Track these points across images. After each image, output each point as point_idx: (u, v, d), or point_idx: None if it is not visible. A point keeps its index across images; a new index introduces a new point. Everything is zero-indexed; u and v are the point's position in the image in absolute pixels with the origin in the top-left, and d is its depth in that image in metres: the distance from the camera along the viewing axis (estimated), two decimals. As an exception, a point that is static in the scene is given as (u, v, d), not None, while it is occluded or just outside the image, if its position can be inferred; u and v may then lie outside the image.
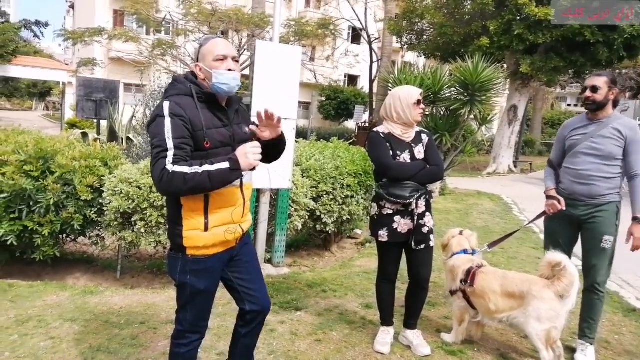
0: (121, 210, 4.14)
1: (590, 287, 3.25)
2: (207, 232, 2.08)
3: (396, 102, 3.09)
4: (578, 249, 3.35)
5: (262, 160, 2.10)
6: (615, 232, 3.17)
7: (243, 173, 2.04)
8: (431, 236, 3.14)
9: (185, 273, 2.11)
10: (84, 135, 9.28)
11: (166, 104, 2.00)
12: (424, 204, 3.10)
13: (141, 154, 6.36)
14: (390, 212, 3.10)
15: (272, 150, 2.25)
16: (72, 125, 19.81)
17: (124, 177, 4.20)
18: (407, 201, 3.02)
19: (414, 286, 3.23)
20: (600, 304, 3.25)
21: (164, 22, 19.81)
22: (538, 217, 3.58)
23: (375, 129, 3.24)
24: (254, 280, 2.37)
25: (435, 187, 9.71)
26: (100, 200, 4.31)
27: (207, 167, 1.92)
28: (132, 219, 4.19)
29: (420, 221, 3.08)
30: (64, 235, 4.69)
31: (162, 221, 4.12)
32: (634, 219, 3.07)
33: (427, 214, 3.12)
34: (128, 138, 8.11)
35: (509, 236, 3.80)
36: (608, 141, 3.15)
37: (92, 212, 4.34)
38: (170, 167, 1.89)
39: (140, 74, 17.84)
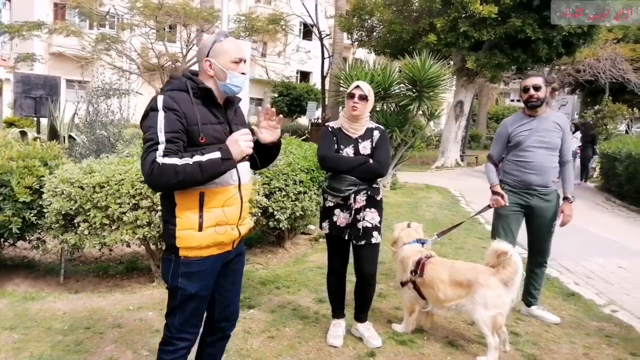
0: (63, 212, 3.96)
1: (541, 264, 3.79)
2: (202, 231, 2.00)
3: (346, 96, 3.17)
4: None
5: (253, 167, 2.09)
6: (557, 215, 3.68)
7: (238, 166, 2.00)
8: (374, 233, 3.12)
9: (177, 276, 2.03)
10: (23, 134, 8.82)
11: (160, 98, 1.94)
12: (364, 199, 3.10)
13: (84, 153, 6.10)
14: (331, 204, 3.15)
15: (267, 154, 2.21)
16: (10, 123, 18.74)
17: (66, 177, 4.02)
18: (342, 194, 3.06)
19: (360, 282, 3.27)
20: (545, 270, 3.87)
21: (107, 16, 19.08)
22: (483, 210, 3.85)
23: (327, 123, 3.29)
24: (234, 293, 2.33)
25: (386, 181, 9.88)
26: (40, 202, 4.10)
27: (197, 158, 1.85)
28: (75, 221, 4.01)
29: (357, 216, 3.09)
30: (2, 240, 4.43)
31: (107, 222, 3.97)
32: (565, 198, 3.61)
33: (368, 209, 3.11)
34: (70, 136, 7.77)
35: (456, 226, 3.97)
36: (552, 134, 3.55)
37: (32, 215, 4.13)
38: (160, 159, 1.83)
39: (81, 69, 17.13)
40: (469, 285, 3.18)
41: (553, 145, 3.57)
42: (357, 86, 3.10)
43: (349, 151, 3.10)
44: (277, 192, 5.11)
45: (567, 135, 3.63)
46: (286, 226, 5.36)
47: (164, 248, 2.13)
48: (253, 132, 2.09)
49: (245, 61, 2.13)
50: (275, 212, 5.10)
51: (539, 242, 3.73)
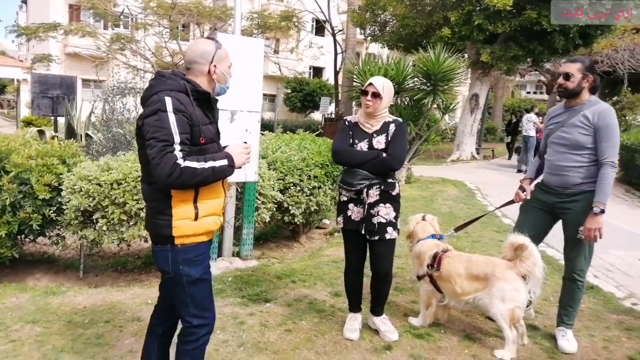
0: (81, 209, 4.03)
1: (569, 276, 3.25)
2: (197, 221, 2.12)
3: None
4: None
5: None
6: None
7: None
8: (389, 228, 3.08)
9: (178, 263, 2.12)
10: (41, 133, 8.98)
11: (168, 100, 2.01)
12: (377, 193, 3.06)
13: (101, 151, 6.19)
14: (345, 199, 3.14)
15: None
16: (28, 123, 19.08)
17: (84, 175, 4.08)
18: (354, 188, 3.03)
19: (375, 278, 3.26)
20: (579, 292, 3.25)
21: (121, 16, 19.25)
22: (505, 204, 3.66)
23: (345, 117, 3.29)
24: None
25: (401, 175, 9.83)
26: (59, 199, 4.18)
27: (211, 163, 2.04)
28: (93, 217, 4.08)
29: (371, 210, 3.06)
30: (22, 236, 4.53)
31: (125, 218, 4.03)
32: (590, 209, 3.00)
33: (382, 204, 3.07)
34: (87, 135, 7.89)
35: (474, 221, 3.91)
36: (575, 130, 3.07)
37: (51, 211, 4.21)
38: (181, 162, 1.95)
39: (97, 68, 17.33)
40: (486, 279, 3.16)
41: (572, 142, 3.08)
42: (370, 83, 3.06)
43: (363, 146, 3.08)
44: (291, 187, 5.13)
45: (604, 131, 2.99)
46: (301, 221, 5.39)
47: (153, 242, 2.19)
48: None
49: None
50: (290, 207, 5.13)
51: (565, 250, 3.28)
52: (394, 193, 3.13)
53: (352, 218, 3.12)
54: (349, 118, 3.24)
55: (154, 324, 2.42)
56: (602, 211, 2.98)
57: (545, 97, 34.22)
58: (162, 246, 2.14)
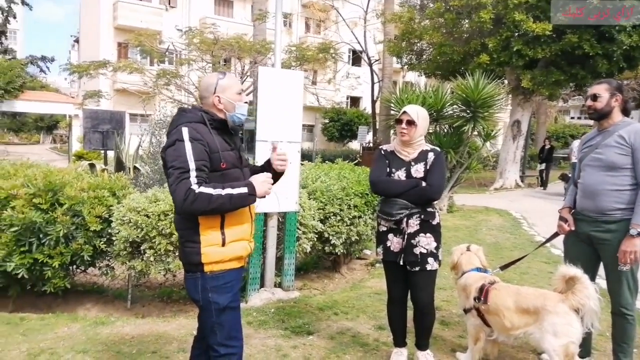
0: (130, 240, 4.15)
1: (617, 311, 3.09)
2: (225, 247, 2.18)
3: None
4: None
5: None
6: None
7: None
8: (429, 259, 3.03)
9: (207, 291, 2.17)
10: (92, 166, 9.37)
11: (185, 129, 2.12)
12: (417, 223, 3.02)
13: (148, 183, 6.39)
14: (384, 229, 3.11)
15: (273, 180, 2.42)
16: (79, 157, 20.00)
17: (132, 206, 4.22)
18: (393, 218, 3.00)
19: (417, 310, 3.18)
20: (630, 328, 3.06)
21: (167, 53, 20.13)
22: (551, 238, 3.52)
23: (381, 146, 3.29)
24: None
25: (443, 204, 9.68)
26: (109, 230, 4.32)
27: (229, 191, 2.09)
28: (141, 248, 4.20)
29: (412, 241, 3.02)
30: (74, 267, 4.69)
31: (171, 249, 4.12)
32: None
33: (423, 235, 3.02)
34: (135, 167, 8.18)
35: (521, 259, 3.76)
36: (611, 150, 2.96)
37: (102, 242, 4.35)
38: (195, 187, 2.03)
39: (144, 103, 18.05)
40: (537, 312, 3.03)
41: (609, 163, 2.95)
42: (405, 112, 3.06)
43: (400, 174, 3.06)
44: (331, 217, 5.14)
45: None
46: (342, 251, 5.36)
47: (185, 270, 2.25)
48: (274, 149, 2.43)
49: (245, 92, 2.36)
50: (331, 237, 5.12)
51: (608, 282, 3.11)
52: (434, 222, 3.08)
53: (392, 249, 3.08)
54: (384, 147, 3.23)
55: (195, 354, 2.47)
56: None
57: (590, 122, 33.18)
58: (192, 274, 2.20)
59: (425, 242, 3.03)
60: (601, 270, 3.19)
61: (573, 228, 3.21)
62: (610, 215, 2.98)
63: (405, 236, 3.02)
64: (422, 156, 3.08)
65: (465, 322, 3.48)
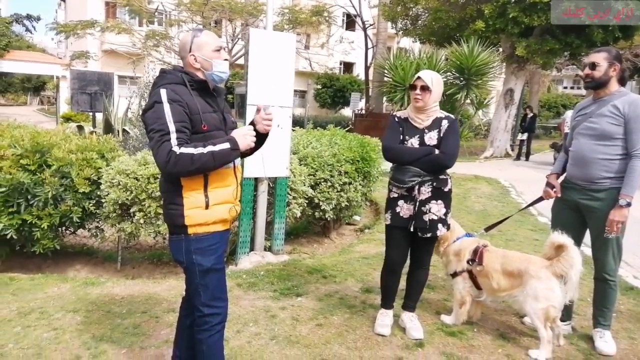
0: (119, 202, 4.15)
1: (600, 276, 3.15)
2: (208, 209, 2.16)
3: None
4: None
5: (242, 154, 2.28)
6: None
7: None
8: (439, 225, 3.06)
9: (191, 252, 2.17)
10: (80, 128, 9.26)
11: (163, 91, 2.08)
12: (429, 190, 3.02)
13: (137, 146, 6.34)
14: (396, 195, 3.11)
15: (257, 143, 2.36)
16: (67, 118, 19.74)
17: (121, 169, 4.20)
18: (406, 185, 2.99)
19: (416, 269, 3.25)
20: (612, 293, 3.14)
21: (156, 13, 19.64)
22: (534, 202, 3.58)
23: (394, 113, 3.26)
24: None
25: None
26: (98, 192, 4.31)
27: (210, 148, 2.05)
28: (131, 210, 4.20)
29: (423, 208, 3.03)
30: (63, 228, 4.70)
31: (161, 212, 4.12)
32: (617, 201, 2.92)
33: (434, 201, 3.04)
34: (124, 130, 8.09)
35: (504, 220, 3.83)
36: (604, 119, 2.97)
37: (91, 205, 4.35)
38: (176, 149, 2.00)
39: (133, 65, 17.73)
40: (520, 276, 3.11)
41: (600, 132, 2.97)
42: (419, 77, 3.02)
43: (414, 142, 3.03)
44: (322, 183, 5.15)
45: (634, 122, 2.89)
46: (332, 217, 5.40)
47: (170, 232, 2.25)
48: (257, 111, 2.34)
49: (224, 49, 2.29)
50: (321, 203, 5.15)
51: (593, 249, 3.17)
52: (446, 189, 3.09)
53: (401, 215, 3.07)
54: (398, 114, 3.19)
55: (183, 315, 2.49)
56: (629, 204, 2.90)
57: (583, 92, 33.17)
58: (176, 236, 2.20)
59: (436, 209, 3.05)
60: (586, 238, 3.25)
61: (559, 195, 3.25)
62: (599, 183, 3.02)
63: (417, 203, 3.03)
64: (435, 123, 3.05)
65: (450, 286, 3.56)
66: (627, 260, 4.95)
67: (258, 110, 2.33)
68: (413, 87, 3.03)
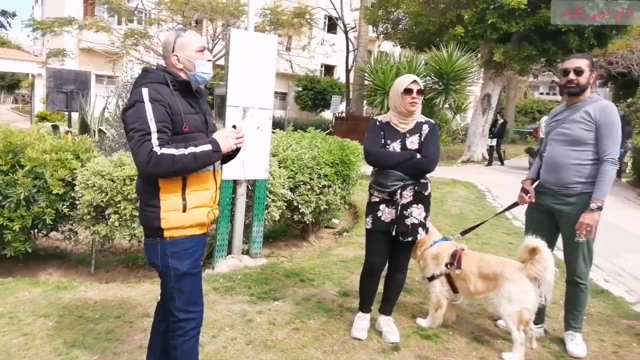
0: (94, 204, 4.08)
1: (571, 280, 3.21)
2: (185, 212, 2.13)
3: (392, 91, 3.11)
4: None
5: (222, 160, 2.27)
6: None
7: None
8: (420, 229, 3.10)
9: (166, 256, 2.14)
10: (55, 127, 9.09)
11: (145, 90, 2.05)
12: (410, 194, 3.04)
13: (114, 147, 6.24)
14: (377, 200, 3.12)
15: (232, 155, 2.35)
16: (42, 118, 19.35)
17: (97, 170, 4.13)
18: (388, 190, 3.00)
19: (394, 273, 3.28)
20: (583, 296, 3.20)
21: (136, 12, 19.38)
22: (509, 207, 3.64)
23: (375, 117, 3.26)
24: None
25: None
26: (73, 194, 4.23)
27: (192, 149, 2.03)
28: (106, 213, 4.13)
29: (405, 212, 3.05)
30: (36, 230, 4.59)
31: (137, 214, 4.05)
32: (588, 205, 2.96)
33: (415, 205, 3.06)
34: (100, 130, 7.96)
35: (479, 225, 3.89)
36: (576, 125, 3.03)
37: (64, 206, 4.26)
38: (157, 149, 1.97)
39: (112, 64, 17.46)
40: (496, 279, 3.16)
41: (572, 138, 3.03)
42: (414, 81, 3.02)
43: (395, 146, 3.04)
44: (301, 186, 5.14)
45: (605, 128, 2.95)
46: (310, 220, 5.40)
47: (145, 235, 2.21)
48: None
49: (208, 49, 2.28)
50: (300, 206, 5.14)
51: (565, 253, 3.24)
52: (426, 193, 3.12)
53: (383, 219, 3.09)
54: (379, 118, 3.20)
55: (157, 320, 2.45)
56: (600, 208, 2.96)
57: (559, 98, 33.89)
58: (152, 239, 2.16)
59: (417, 213, 3.08)
60: (559, 242, 3.32)
61: (533, 200, 3.30)
62: (571, 188, 3.08)
63: (399, 207, 3.04)
64: (416, 128, 3.08)
65: (426, 290, 3.59)
66: (598, 264, 5.07)
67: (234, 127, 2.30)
68: (408, 91, 3.00)
